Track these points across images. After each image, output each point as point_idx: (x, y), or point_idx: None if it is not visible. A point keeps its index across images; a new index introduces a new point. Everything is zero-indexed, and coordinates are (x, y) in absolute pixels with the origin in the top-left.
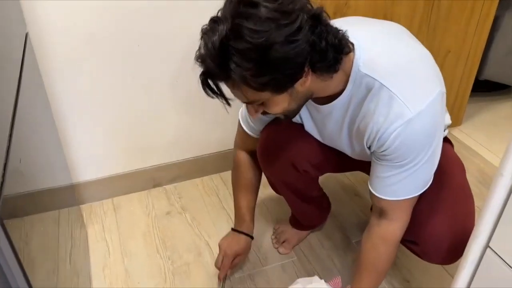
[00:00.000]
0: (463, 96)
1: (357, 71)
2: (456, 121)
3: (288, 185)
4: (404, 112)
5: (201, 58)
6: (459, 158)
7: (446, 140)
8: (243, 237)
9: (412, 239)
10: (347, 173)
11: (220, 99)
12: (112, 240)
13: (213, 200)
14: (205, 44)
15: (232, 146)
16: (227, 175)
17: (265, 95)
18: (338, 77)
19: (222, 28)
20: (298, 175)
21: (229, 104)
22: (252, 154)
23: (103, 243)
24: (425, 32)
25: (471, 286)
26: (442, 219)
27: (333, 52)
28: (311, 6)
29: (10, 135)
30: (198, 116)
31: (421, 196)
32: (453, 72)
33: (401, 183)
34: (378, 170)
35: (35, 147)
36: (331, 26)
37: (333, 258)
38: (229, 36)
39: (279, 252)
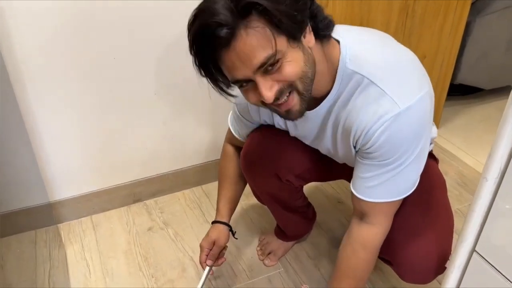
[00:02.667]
0: (439, 100)
1: (344, 68)
2: None
3: (271, 195)
4: (393, 107)
5: (203, 10)
6: (442, 175)
7: (430, 156)
8: (215, 226)
9: (387, 259)
10: (331, 182)
11: (222, 87)
12: (93, 259)
13: (195, 213)
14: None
15: (212, 157)
16: (209, 187)
17: (281, 41)
18: (326, 73)
19: None
20: (282, 185)
21: (231, 95)
22: (239, 149)
23: (83, 262)
24: (401, 38)
25: None
26: (420, 241)
27: (325, 19)
28: None
29: None
30: (177, 128)
31: (399, 213)
32: (430, 77)
33: (383, 184)
34: (361, 169)
35: (9, 167)
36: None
37: (320, 267)
38: None
39: (265, 264)
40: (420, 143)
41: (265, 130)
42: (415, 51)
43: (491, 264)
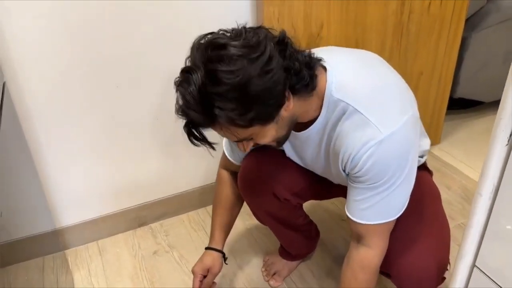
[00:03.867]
0: (439, 115)
1: (330, 96)
2: (434, 140)
3: (270, 214)
4: (376, 134)
5: (182, 111)
6: (435, 186)
7: (424, 168)
8: (209, 252)
9: (386, 271)
10: (332, 199)
11: (205, 145)
12: (99, 284)
13: (200, 235)
14: (183, 96)
15: (213, 179)
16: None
17: (253, 129)
18: (313, 101)
19: (197, 77)
20: (280, 204)
21: (213, 149)
22: (234, 174)
23: None
24: (397, 57)
25: None
26: (416, 252)
27: (306, 70)
28: (272, 33)
29: None
30: (180, 151)
31: (396, 226)
32: (427, 93)
33: (375, 206)
34: (353, 193)
35: (16, 195)
36: (296, 47)
37: (325, 286)
38: (206, 83)
39: (270, 285)
40: (407, 165)
41: (260, 152)
42: (411, 68)
43: (492, 279)
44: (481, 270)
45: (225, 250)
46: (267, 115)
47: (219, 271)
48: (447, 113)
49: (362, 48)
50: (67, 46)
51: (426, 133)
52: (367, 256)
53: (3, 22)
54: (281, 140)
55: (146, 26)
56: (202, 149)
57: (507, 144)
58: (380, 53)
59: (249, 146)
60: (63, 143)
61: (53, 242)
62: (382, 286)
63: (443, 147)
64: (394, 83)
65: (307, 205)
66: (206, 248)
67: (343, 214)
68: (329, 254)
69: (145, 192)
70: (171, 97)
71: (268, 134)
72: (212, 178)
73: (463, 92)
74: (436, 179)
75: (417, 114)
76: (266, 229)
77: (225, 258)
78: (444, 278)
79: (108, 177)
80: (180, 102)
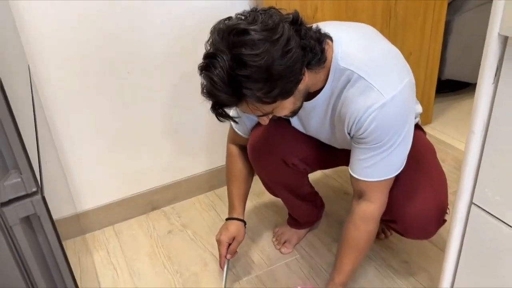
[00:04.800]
0: (429, 95)
1: (336, 65)
2: (426, 119)
3: (280, 182)
4: (379, 98)
5: (209, 93)
6: (430, 142)
7: (418, 127)
8: (233, 222)
9: (392, 219)
10: (335, 175)
11: (230, 121)
12: (119, 262)
13: (211, 215)
14: (211, 79)
15: (222, 162)
16: (221, 190)
17: (276, 104)
18: (322, 72)
19: (223, 61)
20: (288, 170)
21: (237, 123)
22: (242, 147)
23: (110, 266)
24: (387, 37)
25: (464, 243)
26: (418, 197)
27: (318, 45)
28: (283, 14)
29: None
30: (189, 137)
31: (398, 177)
32: (417, 74)
33: (377, 164)
34: (357, 153)
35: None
36: (307, 24)
37: (333, 251)
38: (233, 66)
39: (281, 252)
40: (406, 125)
41: (267, 124)
42: (401, 48)
43: (489, 213)
44: (478, 206)
45: None
46: (289, 91)
47: (243, 239)
48: (436, 96)
49: None
50: (82, 33)
51: (417, 100)
52: (369, 209)
53: (22, 9)
54: (296, 111)
55: (157, 16)
56: (208, 135)
57: (493, 83)
58: None
59: (269, 117)
60: (78, 130)
61: (73, 227)
62: (400, 259)
63: (435, 126)
64: (392, 52)
65: (312, 180)
66: (228, 219)
67: (346, 188)
68: (335, 223)
69: (156, 177)
70: (178, 86)
71: (287, 107)
72: (218, 162)
73: (450, 73)
74: None
75: (413, 80)
76: (274, 206)
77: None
78: (445, 220)
79: (120, 163)
80: (207, 84)
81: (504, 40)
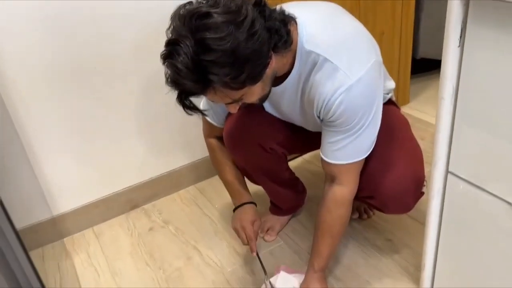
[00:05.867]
0: (404, 74)
1: (301, 48)
2: (404, 100)
3: (259, 167)
4: (346, 80)
5: (173, 82)
6: (404, 116)
7: (391, 103)
8: (246, 206)
9: (369, 194)
10: (315, 160)
11: (198, 113)
12: (100, 264)
13: (193, 209)
14: (175, 67)
15: (200, 156)
16: (202, 184)
17: (244, 90)
18: (288, 55)
19: (186, 47)
20: (267, 155)
21: (206, 115)
22: (221, 139)
23: (91, 268)
24: (357, 17)
25: (443, 214)
26: (394, 169)
27: (283, 27)
28: None
29: None
30: (164, 131)
31: (372, 152)
32: (391, 53)
33: (347, 147)
34: (327, 136)
35: (10, 187)
36: (271, 6)
37: None
38: (197, 52)
39: (265, 240)
40: (374, 106)
41: (241, 110)
42: (373, 28)
43: (465, 180)
44: (454, 174)
45: (218, 219)
46: (257, 75)
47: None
48: (412, 77)
49: None
50: (48, 35)
51: (390, 77)
52: (341, 193)
53: None
54: (265, 97)
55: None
56: (184, 128)
57: (459, 46)
58: None
59: (238, 105)
60: (49, 131)
61: (50, 232)
62: (384, 238)
63: (413, 106)
64: (358, 31)
65: (292, 167)
66: (239, 206)
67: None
68: (317, 208)
69: (133, 174)
70: (151, 79)
71: (256, 92)
72: (196, 156)
73: (424, 52)
74: None
75: (381, 59)
76: (255, 195)
77: None
78: (423, 193)
79: (95, 162)
80: (171, 73)
81: (466, 2)
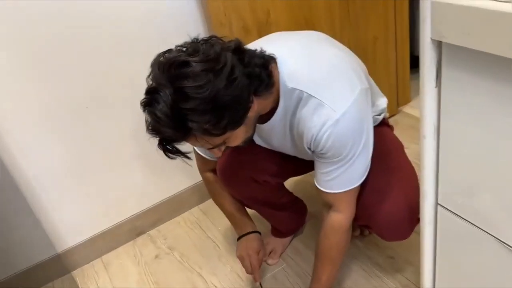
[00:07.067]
0: (403, 75)
1: (284, 86)
2: (405, 99)
3: (254, 198)
4: (331, 115)
5: (154, 129)
6: (398, 139)
7: (384, 124)
8: (252, 235)
9: (365, 224)
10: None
11: (181, 157)
12: None
13: (197, 232)
14: (154, 115)
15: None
16: (206, 205)
17: (226, 135)
18: (271, 95)
19: (166, 95)
20: (261, 187)
21: (189, 158)
22: (216, 171)
23: None
24: (348, 26)
25: (438, 245)
26: (388, 199)
27: (264, 71)
28: (225, 42)
29: None
30: (160, 157)
31: (366, 180)
32: (387, 56)
33: (340, 176)
34: (320, 167)
35: (14, 229)
36: (250, 50)
37: None
38: (176, 100)
39: (267, 264)
40: (363, 135)
41: None
42: (365, 35)
43: (455, 213)
44: (443, 207)
45: (221, 242)
46: (238, 120)
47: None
48: (412, 73)
49: (312, 25)
50: (33, 71)
51: (381, 93)
52: (337, 220)
53: None
54: (249, 139)
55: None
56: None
57: (436, 86)
58: (331, 25)
59: (222, 150)
60: (49, 171)
61: (59, 267)
62: (386, 255)
63: (414, 105)
64: (340, 60)
65: (293, 183)
66: (243, 235)
67: None
68: (319, 224)
69: (136, 202)
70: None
71: (239, 136)
72: (196, 178)
73: None
74: (410, 134)
75: (365, 85)
76: (256, 216)
77: None
78: (419, 219)
79: (98, 194)
80: (151, 121)
81: (439, 44)
